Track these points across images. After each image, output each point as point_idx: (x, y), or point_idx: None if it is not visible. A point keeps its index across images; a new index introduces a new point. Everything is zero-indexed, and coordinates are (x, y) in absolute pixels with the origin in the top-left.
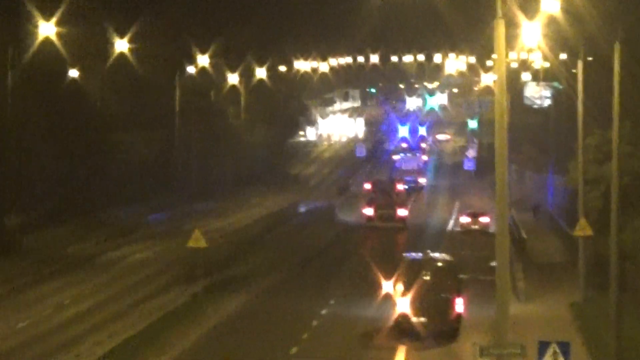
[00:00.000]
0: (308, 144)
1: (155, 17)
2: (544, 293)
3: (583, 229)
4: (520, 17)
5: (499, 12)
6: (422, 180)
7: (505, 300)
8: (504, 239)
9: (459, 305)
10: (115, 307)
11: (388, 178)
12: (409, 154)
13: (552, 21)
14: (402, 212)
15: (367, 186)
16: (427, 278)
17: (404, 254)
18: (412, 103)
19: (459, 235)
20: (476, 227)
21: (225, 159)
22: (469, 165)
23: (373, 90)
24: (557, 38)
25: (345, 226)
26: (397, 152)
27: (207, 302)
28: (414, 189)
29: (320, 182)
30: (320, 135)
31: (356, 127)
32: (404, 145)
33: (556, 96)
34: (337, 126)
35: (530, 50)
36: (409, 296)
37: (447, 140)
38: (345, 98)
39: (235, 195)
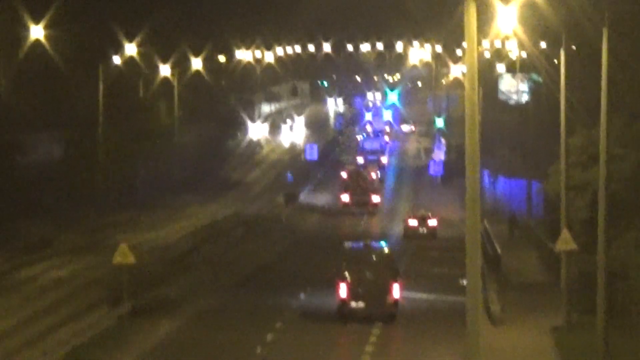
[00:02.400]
0: (251, 144)
1: None
2: (522, 317)
3: (566, 243)
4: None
5: None
6: (384, 160)
7: (477, 325)
8: (475, 255)
9: (396, 290)
10: (28, 333)
11: (360, 167)
12: (371, 136)
13: (530, 4)
14: (375, 198)
15: (344, 174)
16: (365, 265)
17: (344, 242)
18: (370, 98)
19: (418, 249)
20: (424, 230)
21: (155, 162)
22: (435, 170)
23: (325, 83)
24: (536, 24)
25: (294, 239)
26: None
27: (134, 327)
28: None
29: (266, 189)
30: (265, 137)
31: (304, 125)
32: (369, 128)
33: (535, 90)
34: (283, 125)
35: (506, 38)
36: (349, 282)
37: (411, 132)
38: (294, 92)
39: (166, 204)
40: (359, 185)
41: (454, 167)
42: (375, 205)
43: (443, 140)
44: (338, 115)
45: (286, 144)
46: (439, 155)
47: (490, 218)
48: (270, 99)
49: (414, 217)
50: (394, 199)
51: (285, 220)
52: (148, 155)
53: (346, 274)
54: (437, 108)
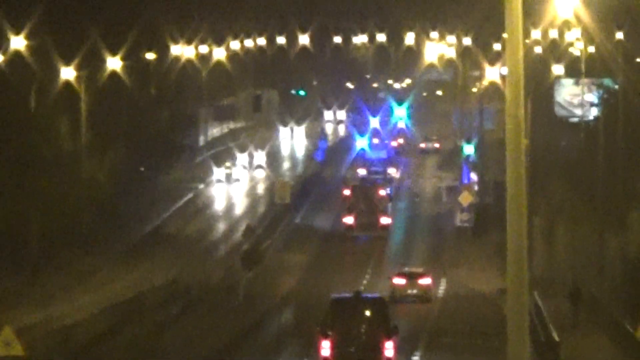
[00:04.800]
0: (194, 179)
1: None
2: None
3: None
4: None
5: None
6: (392, 171)
7: None
8: (521, 342)
9: (389, 350)
10: None
11: (369, 182)
12: (375, 140)
13: None
14: (384, 220)
15: (347, 192)
16: (355, 320)
17: (332, 295)
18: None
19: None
20: (414, 291)
21: (53, 205)
22: (463, 220)
23: (302, 92)
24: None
25: (255, 318)
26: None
27: None
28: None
29: (215, 246)
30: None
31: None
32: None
33: (608, 102)
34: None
35: (565, 26)
36: (335, 339)
37: (433, 150)
38: (256, 105)
39: (69, 267)
40: (365, 205)
41: (490, 215)
42: (385, 227)
43: (474, 176)
44: (321, 137)
45: (245, 180)
46: (468, 197)
47: (544, 289)
48: (221, 115)
49: (401, 274)
50: (403, 262)
51: (243, 292)
52: (43, 195)
53: (331, 329)
54: (465, 129)
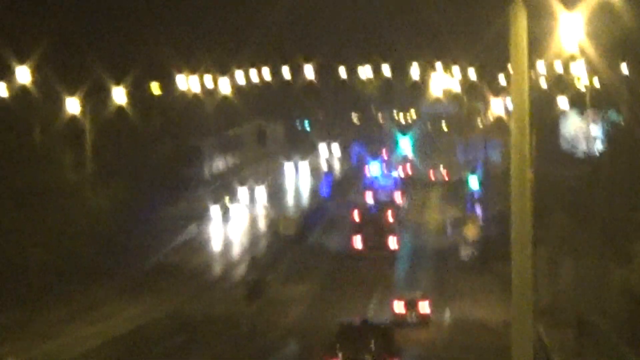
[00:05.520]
0: (195, 214)
1: None
2: None
3: None
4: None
5: None
6: (399, 199)
7: None
8: None
9: None
10: None
11: (377, 205)
12: (384, 170)
13: (604, 7)
14: (393, 243)
15: (355, 216)
16: (361, 344)
17: (339, 320)
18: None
19: None
20: (413, 317)
21: (55, 235)
22: (466, 253)
23: (307, 123)
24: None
25: (259, 350)
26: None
27: None
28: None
29: (220, 278)
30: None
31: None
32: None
33: (614, 135)
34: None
35: (570, 59)
36: None
37: (442, 182)
38: (261, 138)
39: (70, 299)
40: (374, 228)
41: (494, 247)
42: (393, 251)
43: (479, 209)
44: (326, 173)
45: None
46: (474, 230)
47: (548, 322)
48: (226, 146)
49: (400, 299)
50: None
51: (247, 324)
52: (45, 227)
53: (338, 354)
54: (469, 161)
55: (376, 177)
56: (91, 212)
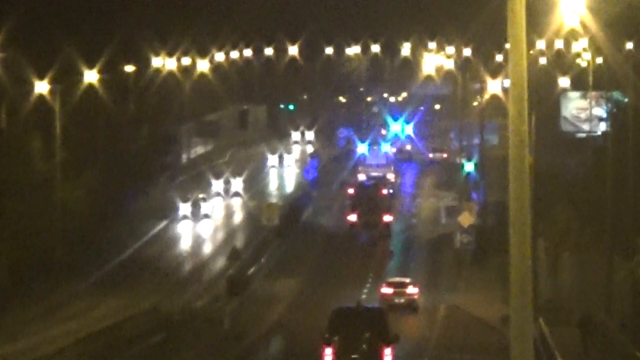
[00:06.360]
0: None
1: None
2: None
3: None
4: None
5: None
6: (391, 177)
7: None
8: None
9: (388, 356)
10: None
11: (372, 182)
12: (374, 147)
13: None
14: (387, 217)
15: (350, 190)
16: (355, 328)
17: (336, 306)
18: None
19: None
20: (401, 300)
21: (25, 229)
22: (463, 242)
23: (291, 106)
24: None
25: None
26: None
27: None
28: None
29: (199, 272)
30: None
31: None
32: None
33: (618, 116)
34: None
35: (572, 36)
36: (338, 347)
37: (442, 160)
38: (242, 122)
39: (41, 296)
40: (368, 203)
41: (491, 238)
42: (387, 225)
43: (475, 196)
44: (312, 156)
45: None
46: (469, 218)
47: (550, 316)
48: (205, 132)
49: (389, 284)
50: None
51: (228, 321)
52: (13, 219)
53: (333, 337)
54: (465, 145)
55: (366, 155)
56: (62, 205)
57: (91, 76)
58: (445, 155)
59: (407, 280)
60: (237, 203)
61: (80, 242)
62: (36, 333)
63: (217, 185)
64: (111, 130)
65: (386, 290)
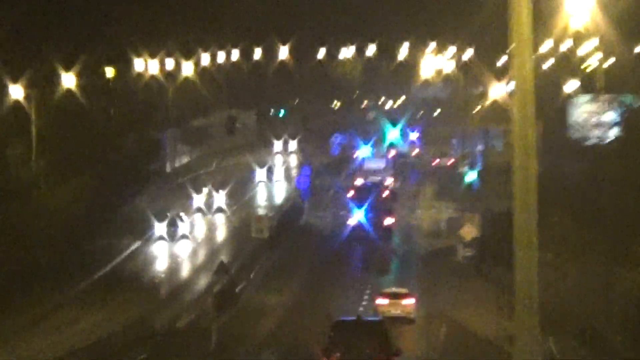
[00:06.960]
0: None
1: None
2: None
3: None
4: None
5: None
6: (390, 182)
7: None
8: None
9: None
10: None
11: (372, 183)
12: (375, 150)
13: None
14: (388, 220)
15: (352, 193)
16: (357, 340)
17: (336, 319)
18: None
19: None
20: (397, 312)
21: (6, 238)
22: (466, 256)
23: (282, 112)
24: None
25: None
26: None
27: None
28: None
29: (187, 286)
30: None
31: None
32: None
33: (630, 121)
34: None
35: (579, 37)
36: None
37: (449, 165)
38: (230, 128)
39: (21, 307)
40: (369, 206)
41: (493, 249)
42: (389, 227)
43: (478, 206)
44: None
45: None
46: (471, 231)
47: (556, 330)
48: (191, 138)
49: (385, 295)
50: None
51: (216, 338)
52: None
53: (333, 351)
54: (466, 152)
55: (364, 160)
56: (46, 213)
57: (71, 79)
58: (450, 162)
59: (403, 291)
60: (222, 216)
61: (64, 250)
62: (21, 346)
63: (198, 200)
64: (94, 136)
65: (381, 301)
